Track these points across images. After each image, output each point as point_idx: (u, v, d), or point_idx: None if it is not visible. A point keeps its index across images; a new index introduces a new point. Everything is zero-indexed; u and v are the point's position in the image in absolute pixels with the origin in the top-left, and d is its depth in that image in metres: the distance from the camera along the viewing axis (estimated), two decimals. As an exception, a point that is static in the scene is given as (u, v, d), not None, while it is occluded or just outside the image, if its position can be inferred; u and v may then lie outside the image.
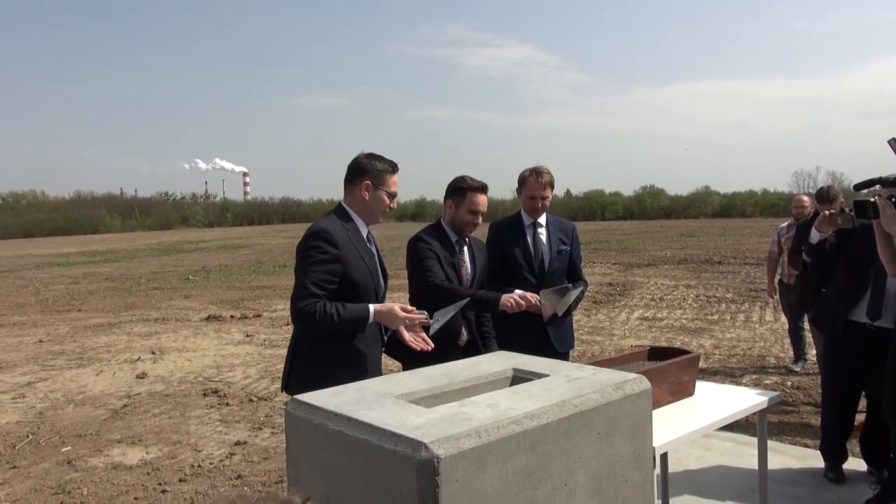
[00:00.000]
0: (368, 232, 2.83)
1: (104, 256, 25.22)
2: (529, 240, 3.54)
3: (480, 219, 3.26)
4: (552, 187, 3.56)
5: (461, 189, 3.24)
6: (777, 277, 6.27)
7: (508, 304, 3.08)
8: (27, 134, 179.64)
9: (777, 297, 6.42)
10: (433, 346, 2.73)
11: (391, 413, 1.73)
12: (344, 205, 2.79)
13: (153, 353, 7.80)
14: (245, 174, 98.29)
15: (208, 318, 10.12)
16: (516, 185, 3.65)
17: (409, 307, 2.66)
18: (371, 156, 2.76)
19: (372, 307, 2.59)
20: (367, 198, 2.73)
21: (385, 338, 2.86)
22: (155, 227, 54.45)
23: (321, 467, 1.77)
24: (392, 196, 2.78)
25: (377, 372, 2.73)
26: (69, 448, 4.73)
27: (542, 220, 3.59)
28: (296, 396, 1.95)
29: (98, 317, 10.78)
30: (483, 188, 3.26)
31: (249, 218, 61.03)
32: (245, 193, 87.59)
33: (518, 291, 3.19)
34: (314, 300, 2.53)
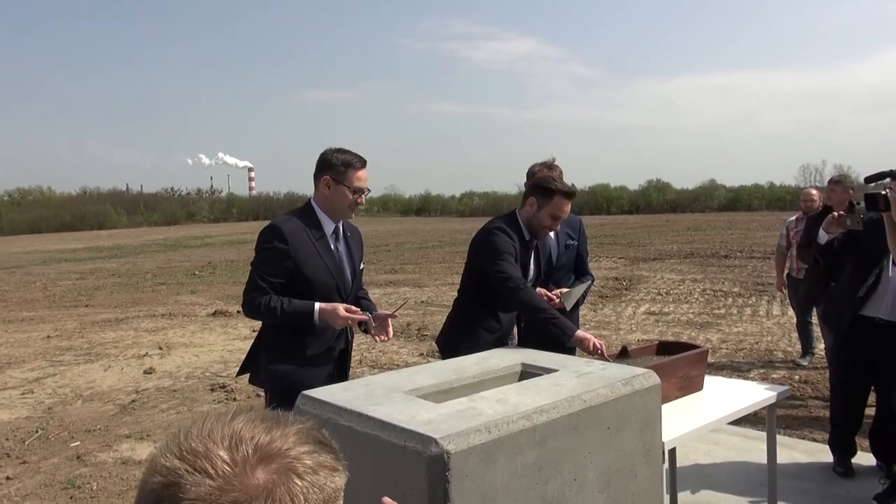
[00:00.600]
0: (340, 229, 2.76)
1: (110, 252, 25.30)
2: (537, 234, 3.51)
3: (558, 226, 3.09)
4: (561, 182, 3.53)
5: (549, 190, 2.93)
6: (785, 271, 6.26)
7: (587, 344, 2.68)
8: (32, 131, 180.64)
9: (786, 291, 6.41)
10: (391, 335, 2.75)
11: (401, 408, 1.73)
12: (311, 200, 2.74)
13: (160, 348, 7.83)
14: (250, 169, 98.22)
15: (215, 314, 10.13)
16: (524, 180, 3.61)
17: (354, 308, 2.63)
18: (337, 150, 2.68)
19: (317, 305, 2.56)
20: (327, 193, 2.66)
21: (350, 337, 2.85)
22: (161, 223, 54.54)
23: (331, 462, 1.77)
24: (356, 192, 2.66)
25: (327, 371, 2.73)
26: (78, 443, 4.76)
27: (550, 214, 3.56)
28: (304, 392, 1.95)
29: (105, 312, 10.82)
30: (572, 194, 2.97)
31: (255, 213, 61.02)
32: (250, 188, 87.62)
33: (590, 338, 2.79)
34: (259, 293, 2.59)
